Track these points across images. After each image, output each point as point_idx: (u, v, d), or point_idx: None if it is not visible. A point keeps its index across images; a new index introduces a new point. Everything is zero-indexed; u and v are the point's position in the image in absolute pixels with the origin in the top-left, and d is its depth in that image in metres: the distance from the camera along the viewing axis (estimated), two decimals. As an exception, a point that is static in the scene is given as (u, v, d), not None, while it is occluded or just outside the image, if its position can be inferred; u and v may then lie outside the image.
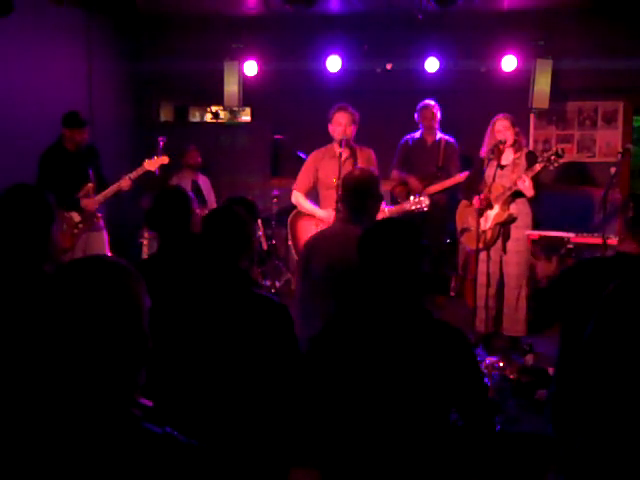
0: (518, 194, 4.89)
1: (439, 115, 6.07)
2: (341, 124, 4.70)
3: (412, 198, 4.66)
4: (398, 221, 2.23)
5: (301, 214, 5.02)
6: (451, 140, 6.14)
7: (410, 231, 2.12)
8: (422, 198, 4.64)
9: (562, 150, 4.85)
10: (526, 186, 4.76)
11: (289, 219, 5.11)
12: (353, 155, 4.79)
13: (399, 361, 2.00)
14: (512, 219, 4.92)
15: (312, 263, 3.29)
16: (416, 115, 6.15)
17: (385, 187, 5.25)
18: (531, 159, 4.95)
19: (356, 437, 2.02)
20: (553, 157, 4.77)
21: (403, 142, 6.23)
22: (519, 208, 4.94)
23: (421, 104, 6.13)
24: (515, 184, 4.83)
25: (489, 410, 2.12)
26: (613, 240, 5.42)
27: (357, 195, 3.27)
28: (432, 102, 6.07)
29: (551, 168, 4.86)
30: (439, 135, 6.14)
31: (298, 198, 4.96)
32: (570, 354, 2.90)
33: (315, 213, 4.85)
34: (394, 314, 2.05)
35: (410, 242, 2.09)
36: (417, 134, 6.21)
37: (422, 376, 1.99)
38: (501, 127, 4.94)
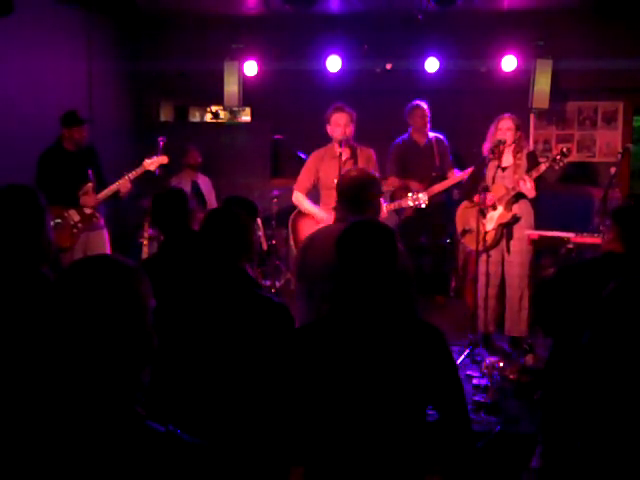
0: (521, 195, 4.89)
1: (429, 115, 6.03)
2: (340, 125, 4.70)
3: (410, 195, 4.66)
4: (373, 222, 2.24)
5: (302, 214, 5.02)
6: (441, 137, 6.11)
7: (385, 232, 2.14)
8: (420, 195, 4.64)
9: (568, 149, 4.85)
10: (528, 188, 4.75)
11: (290, 219, 5.11)
12: (354, 155, 4.80)
13: (376, 358, 2.01)
14: (516, 219, 4.92)
15: (308, 263, 3.29)
16: (405, 116, 6.11)
17: (386, 187, 5.26)
18: (532, 160, 4.95)
19: (336, 432, 2.04)
20: (559, 157, 4.76)
21: (395, 145, 6.16)
22: (522, 208, 4.94)
23: (411, 105, 6.07)
24: (518, 185, 4.83)
25: (465, 408, 2.14)
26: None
27: (353, 195, 3.27)
28: (422, 102, 6.03)
29: (556, 168, 4.86)
30: (430, 135, 6.10)
31: (299, 198, 4.96)
32: (563, 355, 2.92)
33: (315, 214, 4.85)
34: (372, 313, 2.06)
35: (385, 243, 2.11)
36: (406, 136, 6.16)
37: (399, 374, 2.01)
38: (504, 126, 4.94)
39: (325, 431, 2.06)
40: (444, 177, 5.97)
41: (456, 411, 2.10)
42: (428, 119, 6.04)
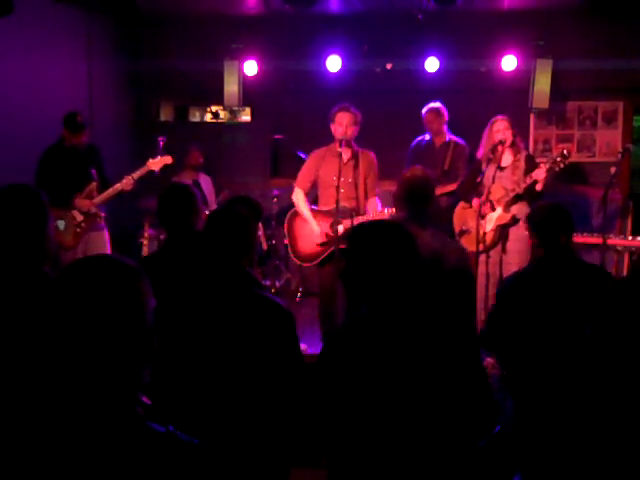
0: (520, 196, 4.90)
1: (446, 117, 6.00)
2: (342, 124, 4.69)
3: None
4: (389, 222, 2.24)
5: (298, 213, 5.03)
6: (460, 142, 6.04)
7: (401, 232, 2.12)
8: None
9: (568, 152, 4.85)
10: (543, 175, 4.74)
11: (287, 218, 5.11)
12: (355, 157, 4.80)
13: (412, 364, 1.98)
14: (515, 220, 4.92)
15: None
16: (423, 118, 6.08)
17: (386, 187, 5.25)
18: (530, 162, 4.96)
19: (362, 437, 2.01)
20: (559, 159, 4.76)
21: (414, 145, 6.17)
22: (521, 209, 4.94)
23: (425, 109, 6.03)
24: (518, 186, 4.83)
25: (494, 411, 2.13)
26: (613, 240, 5.43)
27: (422, 198, 3.32)
28: (437, 104, 5.98)
29: (557, 169, 4.86)
30: (448, 137, 6.05)
31: (298, 198, 4.96)
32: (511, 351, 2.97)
33: (309, 222, 4.87)
34: (411, 318, 2.04)
35: (399, 243, 2.08)
36: (427, 136, 6.14)
37: (428, 381, 1.98)
38: (501, 127, 4.95)
39: (352, 434, 2.02)
40: (454, 179, 5.90)
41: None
42: (441, 122, 5.98)
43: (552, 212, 3.22)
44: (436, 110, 5.98)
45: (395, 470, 1.97)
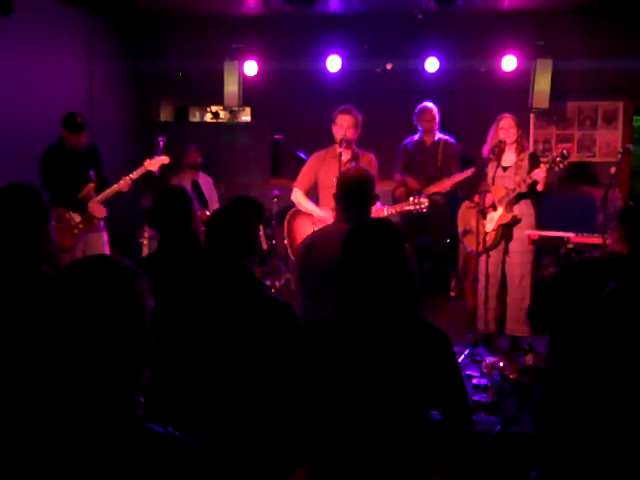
0: (522, 196, 4.89)
1: (438, 116, 6.07)
2: (343, 126, 4.69)
3: (411, 199, 4.66)
4: (383, 222, 2.24)
5: (299, 213, 5.03)
6: (451, 140, 6.13)
7: (394, 233, 2.14)
8: (422, 199, 4.64)
9: (567, 152, 4.84)
10: (542, 177, 4.74)
11: (286, 218, 5.12)
12: (355, 159, 4.80)
13: (381, 358, 2.01)
14: (517, 220, 4.92)
15: (310, 263, 3.29)
16: (414, 118, 6.14)
17: (386, 187, 5.26)
18: (534, 161, 4.94)
19: (339, 431, 2.04)
20: (559, 159, 4.76)
21: (403, 146, 6.23)
22: (522, 209, 4.94)
23: (419, 107, 6.12)
24: (519, 186, 4.83)
25: (469, 410, 2.16)
26: (613, 240, 5.42)
27: (355, 194, 3.26)
28: (430, 104, 6.07)
29: (556, 169, 4.86)
30: (438, 136, 6.13)
31: (298, 196, 4.97)
32: (562, 355, 2.92)
33: (314, 212, 4.86)
34: (378, 313, 2.06)
35: (394, 244, 2.11)
36: (416, 136, 6.21)
37: (405, 375, 2.01)
38: (505, 125, 4.94)
39: (329, 429, 2.06)
40: (444, 177, 5.98)
41: (459, 413, 2.10)
42: (436, 121, 6.08)
43: None
44: (432, 109, 6.05)
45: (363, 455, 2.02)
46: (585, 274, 3.10)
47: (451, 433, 2.10)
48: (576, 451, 2.05)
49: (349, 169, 3.64)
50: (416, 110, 6.13)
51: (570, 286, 3.10)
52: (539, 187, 4.83)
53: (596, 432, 2.00)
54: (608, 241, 4.71)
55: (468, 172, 5.61)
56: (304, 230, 4.94)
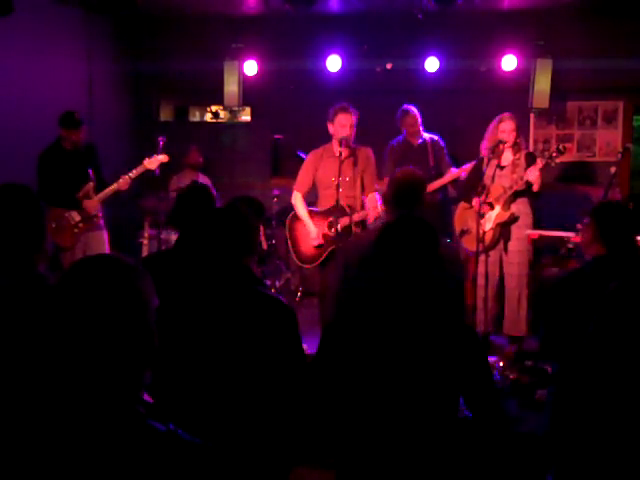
0: (519, 194, 4.90)
1: (420, 118, 6.00)
2: (345, 125, 4.67)
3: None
4: (419, 219, 2.31)
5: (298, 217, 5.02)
6: (436, 138, 6.09)
7: (430, 229, 2.24)
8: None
9: (564, 147, 4.86)
10: (536, 176, 4.75)
11: (287, 221, 5.11)
12: (353, 155, 4.79)
13: (411, 351, 2.07)
14: (514, 219, 4.92)
15: (352, 264, 3.32)
16: (397, 120, 6.09)
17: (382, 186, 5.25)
18: (530, 160, 4.95)
19: (370, 431, 2.09)
20: (555, 153, 4.78)
21: (390, 147, 6.14)
22: (520, 208, 4.94)
23: (400, 111, 6.05)
24: (516, 184, 4.84)
25: (498, 400, 2.20)
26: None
27: (408, 195, 3.33)
28: (411, 107, 6.00)
29: (552, 165, 4.86)
30: (425, 136, 6.07)
31: (297, 201, 4.97)
32: (570, 356, 2.91)
33: (307, 226, 4.87)
34: (408, 307, 2.13)
35: (429, 240, 2.21)
36: (401, 137, 6.14)
37: (434, 367, 2.07)
38: (506, 127, 4.94)
39: (359, 429, 2.10)
40: (439, 175, 5.97)
41: (488, 404, 2.15)
42: (419, 122, 6.01)
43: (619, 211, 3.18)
44: (415, 114, 5.98)
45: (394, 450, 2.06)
46: (576, 289, 3.08)
47: (481, 422, 2.15)
48: (588, 452, 2.05)
49: (405, 170, 3.65)
50: (397, 114, 6.07)
51: (566, 308, 3.08)
52: (534, 188, 4.83)
53: (606, 431, 2.00)
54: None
55: (464, 168, 5.64)
56: (305, 232, 4.94)
